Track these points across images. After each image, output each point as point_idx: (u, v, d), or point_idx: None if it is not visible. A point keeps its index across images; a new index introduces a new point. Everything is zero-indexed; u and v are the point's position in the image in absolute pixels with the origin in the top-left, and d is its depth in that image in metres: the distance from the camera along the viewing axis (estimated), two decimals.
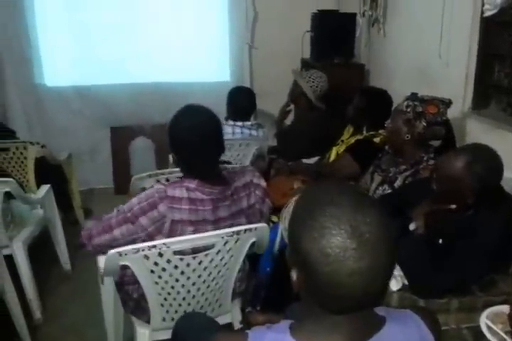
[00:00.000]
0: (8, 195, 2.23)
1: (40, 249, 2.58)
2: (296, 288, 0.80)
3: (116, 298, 1.80)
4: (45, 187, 2.58)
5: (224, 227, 1.56)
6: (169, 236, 1.51)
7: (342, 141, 2.56)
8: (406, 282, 1.51)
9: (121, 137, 3.91)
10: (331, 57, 3.39)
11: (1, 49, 3.59)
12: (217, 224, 1.57)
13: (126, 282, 1.72)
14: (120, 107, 3.79)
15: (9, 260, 2.18)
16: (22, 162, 2.78)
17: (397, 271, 1.52)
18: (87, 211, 3.32)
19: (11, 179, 2.21)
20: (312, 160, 2.68)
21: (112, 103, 3.79)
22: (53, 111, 3.75)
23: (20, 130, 3.33)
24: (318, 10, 3.45)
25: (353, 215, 0.74)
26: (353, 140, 2.45)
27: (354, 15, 3.38)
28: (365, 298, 0.76)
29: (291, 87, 3.11)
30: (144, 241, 1.52)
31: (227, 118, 2.79)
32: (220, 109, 3.16)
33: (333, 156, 2.52)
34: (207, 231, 1.54)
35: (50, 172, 2.95)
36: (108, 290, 1.79)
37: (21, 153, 2.76)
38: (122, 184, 3.79)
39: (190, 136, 1.50)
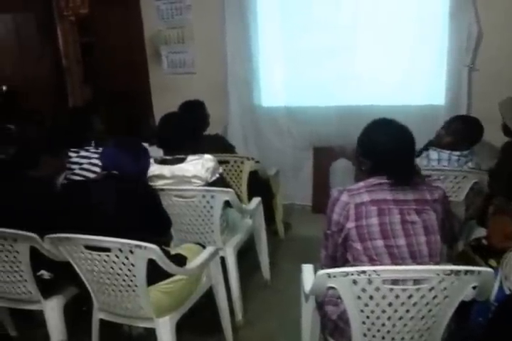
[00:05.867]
0: (226, 204, 2.49)
1: (244, 255, 2.81)
2: None
3: (314, 317, 1.85)
4: (257, 200, 2.82)
5: (409, 210, 1.60)
6: (356, 219, 1.60)
7: None
8: None
9: (322, 157, 4.03)
10: None
11: (228, 74, 4.08)
12: (399, 205, 1.61)
13: (326, 302, 1.75)
14: (324, 128, 3.91)
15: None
16: (238, 174, 3.08)
17: None
18: (287, 225, 3.51)
19: (231, 190, 2.45)
20: None
21: (317, 124, 3.93)
22: (266, 129, 4.10)
23: (238, 145, 3.71)
24: None
25: None
26: None
27: None
28: None
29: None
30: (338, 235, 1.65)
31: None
32: (431, 133, 3.05)
33: None
34: (390, 209, 1.60)
35: (260, 185, 3.20)
36: (309, 308, 1.85)
37: (238, 167, 3.06)
38: (320, 203, 3.91)
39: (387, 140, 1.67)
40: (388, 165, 1.65)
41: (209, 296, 2.22)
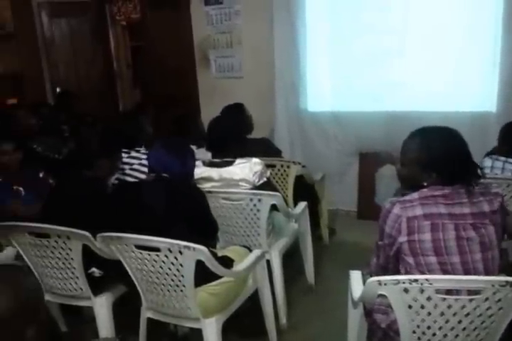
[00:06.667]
0: (272, 207, 2.49)
1: (289, 260, 2.79)
2: None
3: (362, 324, 1.82)
4: (303, 204, 2.81)
5: (465, 225, 1.53)
6: (408, 234, 1.54)
7: None
8: None
9: (368, 163, 3.97)
10: None
11: (276, 78, 4.10)
12: (455, 219, 1.53)
13: (375, 310, 1.72)
14: (371, 134, 3.84)
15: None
16: (284, 178, 3.07)
17: None
18: (331, 230, 3.48)
19: (278, 193, 2.45)
20: None
21: (364, 129, 3.87)
22: (312, 133, 4.07)
23: (284, 149, 3.71)
24: None
25: None
26: None
27: None
28: None
29: None
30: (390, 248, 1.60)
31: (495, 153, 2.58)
32: (481, 141, 2.94)
33: None
34: (444, 224, 1.52)
35: (306, 190, 3.18)
36: (356, 315, 1.83)
37: (284, 171, 3.05)
38: (365, 209, 3.86)
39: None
40: (455, 167, 1.57)
41: (253, 299, 2.23)
